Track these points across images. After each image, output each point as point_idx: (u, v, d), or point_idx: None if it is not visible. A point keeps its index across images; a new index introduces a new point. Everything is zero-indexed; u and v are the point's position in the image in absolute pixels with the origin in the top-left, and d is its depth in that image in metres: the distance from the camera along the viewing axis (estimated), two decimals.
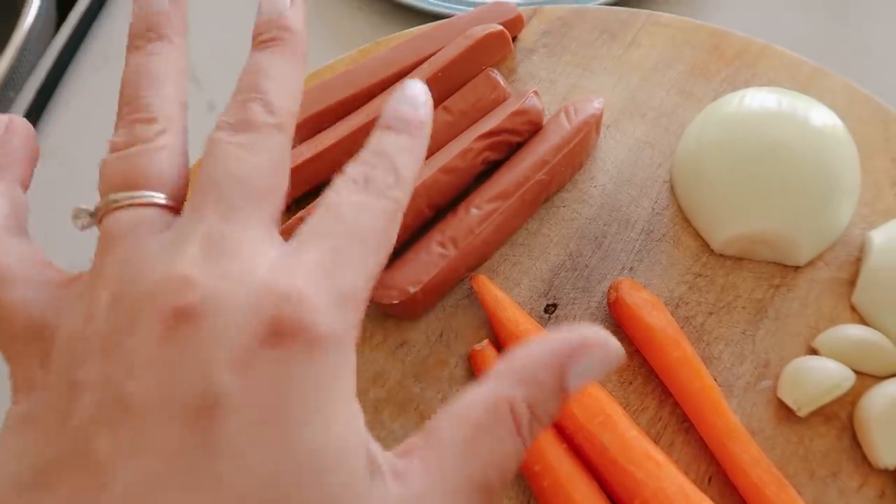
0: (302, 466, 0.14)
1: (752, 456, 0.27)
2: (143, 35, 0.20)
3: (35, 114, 0.51)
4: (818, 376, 0.29)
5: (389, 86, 0.36)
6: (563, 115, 0.35)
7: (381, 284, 0.32)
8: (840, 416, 0.29)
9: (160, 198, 0.17)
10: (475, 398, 0.17)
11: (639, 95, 0.38)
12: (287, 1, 0.20)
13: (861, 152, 0.33)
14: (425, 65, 0.36)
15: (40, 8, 0.54)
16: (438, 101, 0.36)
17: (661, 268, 0.33)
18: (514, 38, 0.40)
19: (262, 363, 0.15)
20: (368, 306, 0.17)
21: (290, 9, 0.20)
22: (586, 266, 0.33)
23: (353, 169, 0.18)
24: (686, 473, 0.27)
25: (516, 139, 0.34)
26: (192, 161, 0.22)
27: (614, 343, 0.17)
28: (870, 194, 0.34)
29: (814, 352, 0.31)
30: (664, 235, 0.34)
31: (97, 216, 0.18)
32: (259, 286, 0.15)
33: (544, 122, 0.35)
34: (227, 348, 0.15)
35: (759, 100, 0.33)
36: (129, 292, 0.16)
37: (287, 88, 0.19)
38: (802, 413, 0.29)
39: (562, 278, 0.33)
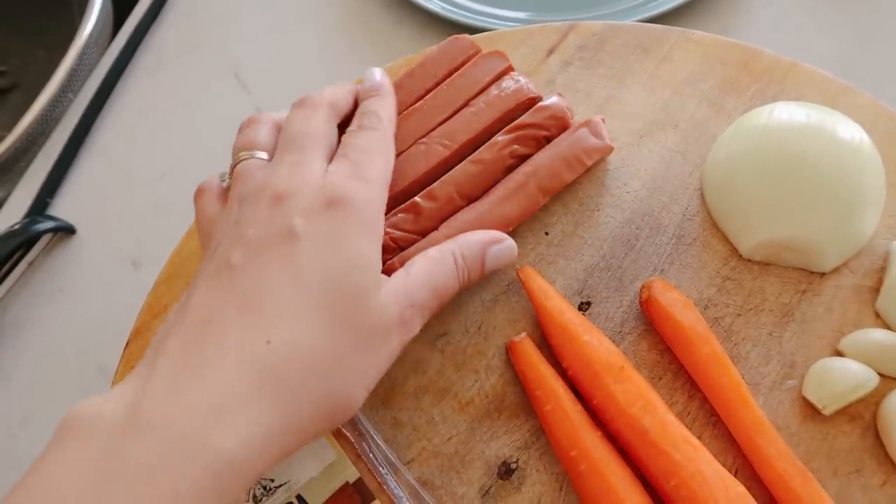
0: (344, 263, 0.27)
1: (777, 449, 0.29)
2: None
3: (91, 115, 0.54)
4: (843, 376, 0.30)
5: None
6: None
7: None
8: (864, 415, 0.30)
9: (263, 154, 0.31)
10: (434, 249, 0.30)
11: (670, 107, 0.40)
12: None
13: (886, 166, 0.34)
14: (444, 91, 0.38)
15: (99, 15, 0.57)
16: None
17: (692, 270, 0.34)
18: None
19: (322, 216, 0.27)
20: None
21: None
22: (619, 267, 0.35)
23: (354, 123, 0.32)
24: None
25: (543, 133, 0.36)
26: None
27: (512, 242, 0.32)
28: (894, 206, 0.35)
29: (839, 354, 0.32)
30: (694, 240, 0.35)
31: (231, 167, 0.32)
32: (320, 184, 0.28)
33: (571, 120, 0.37)
34: (301, 208, 0.27)
35: (788, 113, 0.35)
36: (248, 193, 0.29)
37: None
38: (827, 412, 0.30)
39: (595, 278, 0.35)
